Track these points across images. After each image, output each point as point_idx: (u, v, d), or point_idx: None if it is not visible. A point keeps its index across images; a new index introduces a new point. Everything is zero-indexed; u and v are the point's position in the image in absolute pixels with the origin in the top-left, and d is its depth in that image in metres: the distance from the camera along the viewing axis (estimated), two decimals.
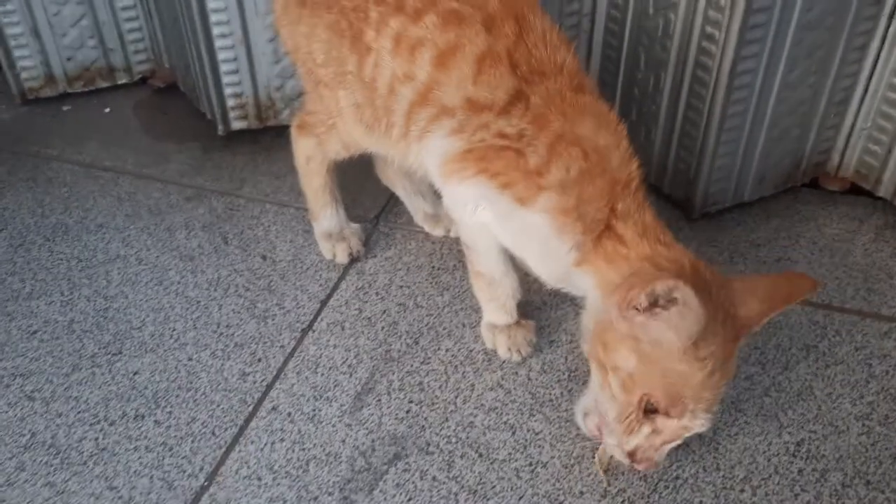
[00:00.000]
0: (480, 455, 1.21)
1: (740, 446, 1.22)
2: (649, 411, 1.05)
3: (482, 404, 1.29)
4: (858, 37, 1.52)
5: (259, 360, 1.37)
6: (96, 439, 1.24)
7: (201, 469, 1.20)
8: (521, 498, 1.16)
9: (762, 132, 1.56)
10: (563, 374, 1.34)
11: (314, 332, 1.42)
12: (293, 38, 1.34)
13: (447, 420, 1.26)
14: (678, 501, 1.15)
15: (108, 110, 2.05)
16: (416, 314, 1.45)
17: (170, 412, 1.28)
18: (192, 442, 1.24)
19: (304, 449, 1.22)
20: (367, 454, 1.22)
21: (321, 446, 1.23)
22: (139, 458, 1.21)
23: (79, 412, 1.28)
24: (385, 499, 1.16)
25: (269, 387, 1.32)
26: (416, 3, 1.16)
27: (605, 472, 1.18)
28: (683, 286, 0.94)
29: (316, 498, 1.16)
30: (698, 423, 1.04)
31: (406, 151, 1.24)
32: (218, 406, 1.29)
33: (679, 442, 1.08)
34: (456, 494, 1.16)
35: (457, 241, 1.58)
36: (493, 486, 1.17)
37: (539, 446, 1.22)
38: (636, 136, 1.70)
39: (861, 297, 1.46)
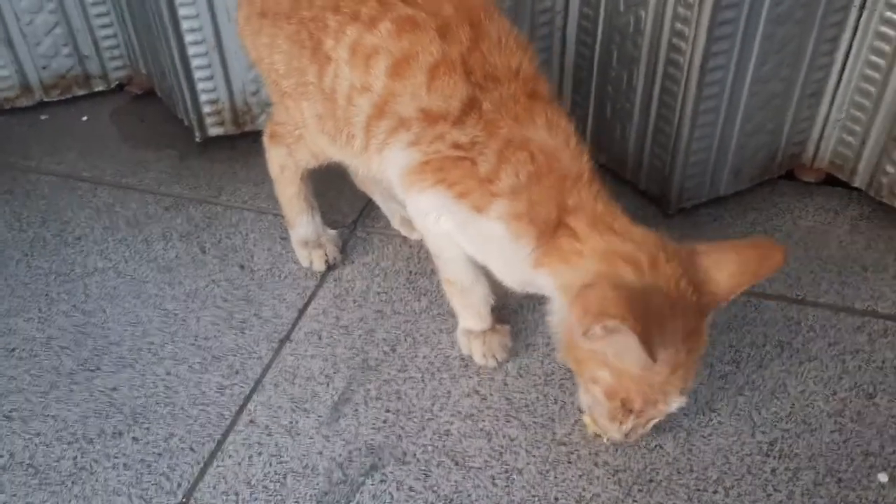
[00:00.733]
0: (456, 463, 1.22)
1: (713, 447, 1.23)
2: (629, 410, 1.11)
3: (458, 411, 1.30)
4: (829, 28, 1.51)
5: (237, 372, 1.37)
6: (74, 458, 1.25)
7: (179, 486, 1.21)
8: None
9: (736, 126, 1.56)
10: (540, 378, 1.34)
11: (292, 342, 1.42)
12: (256, 49, 1.33)
13: (424, 429, 1.27)
14: None
15: (85, 118, 2.05)
16: (393, 321, 1.45)
17: (147, 428, 1.29)
18: (170, 458, 1.25)
19: (281, 462, 1.23)
20: (344, 466, 1.23)
21: (298, 459, 1.24)
22: (117, 476, 1.22)
23: (57, 431, 1.29)
24: None
25: (247, 399, 1.33)
26: (371, 10, 1.14)
27: (597, 436, 1.22)
28: (626, 331, 0.94)
29: None
30: (675, 405, 1.10)
31: (368, 163, 1.23)
32: (196, 420, 1.30)
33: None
34: None
35: None
36: (469, 495, 1.18)
37: (515, 452, 1.23)
38: (611, 133, 1.71)
39: (835, 290, 1.46)
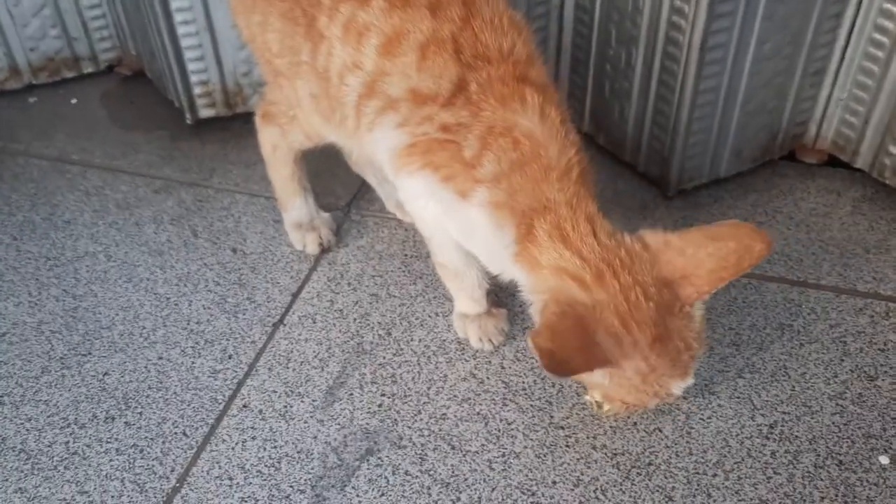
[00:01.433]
0: (453, 447, 1.21)
1: (713, 430, 1.21)
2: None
3: (455, 395, 1.28)
4: (832, 5, 1.48)
5: (230, 356, 1.35)
6: (67, 443, 1.23)
7: (172, 470, 1.19)
8: (493, 489, 1.15)
9: (736, 106, 1.54)
10: (536, 361, 1.32)
11: (285, 325, 1.40)
12: (249, 28, 1.30)
13: (420, 412, 1.25)
14: (651, 488, 1.14)
15: (74, 101, 2.01)
16: (388, 304, 1.43)
17: (140, 413, 1.27)
18: (163, 443, 1.23)
19: (275, 447, 1.22)
20: (339, 450, 1.21)
21: (293, 443, 1.22)
22: (110, 460, 1.21)
23: (49, 416, 1.27)
24: (357, 495, 1.15)
25: (240, 384, 1.31)
26: None
27: (600, 407, 1.21)
28: (546, 365, 0.99)
29: (288, 496, 1.15)
30: (677, 391, 1.09)
31: (361, 143, 1.21)
32: (189, 405, 1.28)
33: None
34: (429, 488, 1.16)
35: None
36: (466, 479, 1.17)
37: (512, 436, 1.22)
38: (609, 113, 1.68)
39: (837, 272, 1.45)
